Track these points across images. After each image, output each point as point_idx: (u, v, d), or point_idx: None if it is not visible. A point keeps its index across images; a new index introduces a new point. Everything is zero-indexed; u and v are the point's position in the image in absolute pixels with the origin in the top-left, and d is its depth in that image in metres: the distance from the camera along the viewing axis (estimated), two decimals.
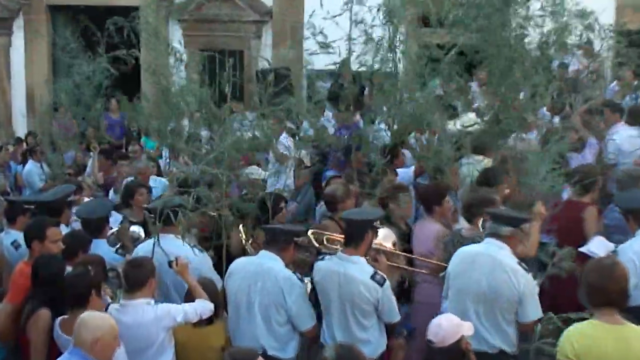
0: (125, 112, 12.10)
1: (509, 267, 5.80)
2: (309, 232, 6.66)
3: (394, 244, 6.40)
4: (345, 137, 10.21)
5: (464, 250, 6.13)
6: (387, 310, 5.94)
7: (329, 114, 11.27)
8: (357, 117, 10.85)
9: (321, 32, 7.95)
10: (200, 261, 6.50)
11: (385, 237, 6.45)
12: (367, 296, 5.86)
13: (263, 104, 7.58)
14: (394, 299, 6.00)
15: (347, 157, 9.04)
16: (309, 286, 6.09)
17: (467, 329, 5.17)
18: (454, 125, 8.16)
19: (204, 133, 8.79)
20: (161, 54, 7.94)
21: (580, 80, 11.99)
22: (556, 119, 10.83)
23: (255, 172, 9.31)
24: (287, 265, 6.08)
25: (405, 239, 7.16)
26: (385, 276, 5.93)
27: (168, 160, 9.55)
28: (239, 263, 6.24)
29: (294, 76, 13.49)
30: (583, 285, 4.90)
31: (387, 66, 8.22)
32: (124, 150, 12.00)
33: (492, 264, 5.84)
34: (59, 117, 12.27)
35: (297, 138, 9.84)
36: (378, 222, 6.07)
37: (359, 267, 5.93)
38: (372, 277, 5.87)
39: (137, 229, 6.94)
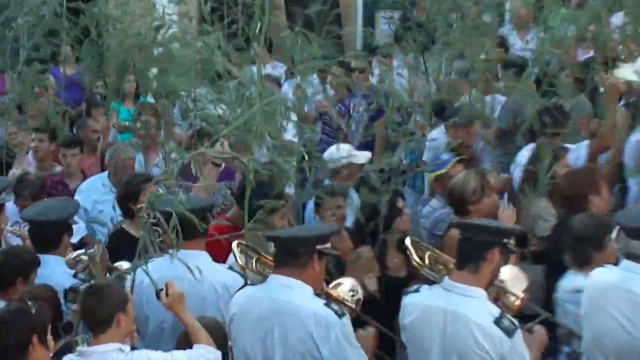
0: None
1: None
2: (407, 241, 4.69)
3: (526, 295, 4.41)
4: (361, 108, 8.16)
5: (594, 280, 4.53)
6: None
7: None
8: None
9: None
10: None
11: (512, 281, 4.41)
12: (485, 349, 4.01)
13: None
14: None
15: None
16: None
17: None
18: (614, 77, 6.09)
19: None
20: None
21: None
22: None
23: (347, 152, 6.73)
24: (316, 292, 4.29)
25: None
26: (517, 323, 4.10)
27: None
28: (243, 300, 4.44)
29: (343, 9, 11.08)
30: None
31: None
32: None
33: (631, 301, 4.29)
34: None
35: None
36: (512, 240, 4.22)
37: (476, 304, 4.10)
38: (497, 322, 4.03)
39: (124, 264, 5.00)
